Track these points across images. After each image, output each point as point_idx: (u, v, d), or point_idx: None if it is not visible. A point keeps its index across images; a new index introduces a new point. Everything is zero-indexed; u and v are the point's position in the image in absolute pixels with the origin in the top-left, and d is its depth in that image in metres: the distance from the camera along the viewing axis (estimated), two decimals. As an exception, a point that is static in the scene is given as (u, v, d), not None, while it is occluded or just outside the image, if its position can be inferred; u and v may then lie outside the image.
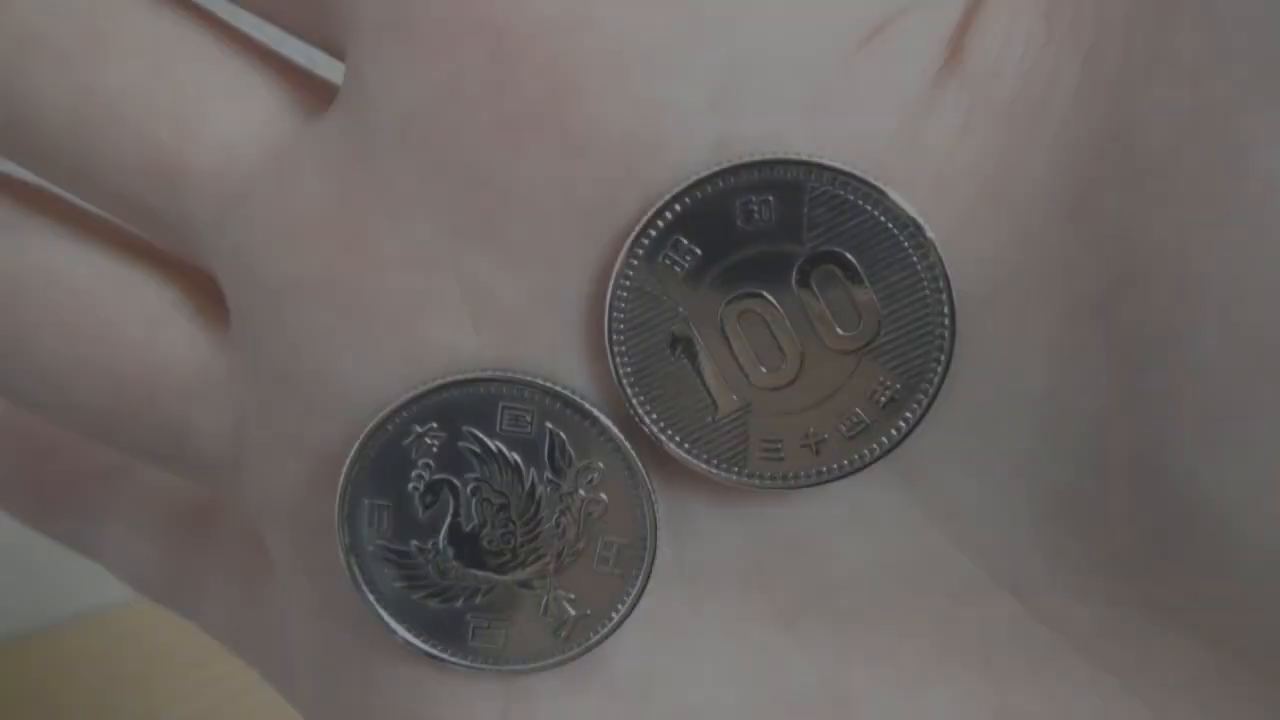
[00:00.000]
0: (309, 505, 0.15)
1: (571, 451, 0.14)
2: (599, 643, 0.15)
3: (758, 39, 0.13)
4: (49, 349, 0.16)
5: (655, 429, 0.14)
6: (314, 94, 0.15)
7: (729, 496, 0.15)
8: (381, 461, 0.15)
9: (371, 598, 0.15)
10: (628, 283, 0.14)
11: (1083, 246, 0.12)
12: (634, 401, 0.14)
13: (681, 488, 0.15)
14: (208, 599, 0.19)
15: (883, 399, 0.14)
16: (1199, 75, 0.12)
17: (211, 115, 0.15)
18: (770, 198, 0.13)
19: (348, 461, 0.15)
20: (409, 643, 0.15)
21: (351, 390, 0.15)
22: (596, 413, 0.14)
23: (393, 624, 0.15)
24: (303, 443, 0.15)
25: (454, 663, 0.15)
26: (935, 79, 0.13)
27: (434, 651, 0.15)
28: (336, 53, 0.15)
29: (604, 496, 0.14)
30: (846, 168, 0.13)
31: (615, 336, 0.14)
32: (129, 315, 0.16)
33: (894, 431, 0.14)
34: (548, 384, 0.14)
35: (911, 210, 0.13)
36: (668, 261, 0.14)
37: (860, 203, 0.13)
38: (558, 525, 0.15)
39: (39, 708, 0.33)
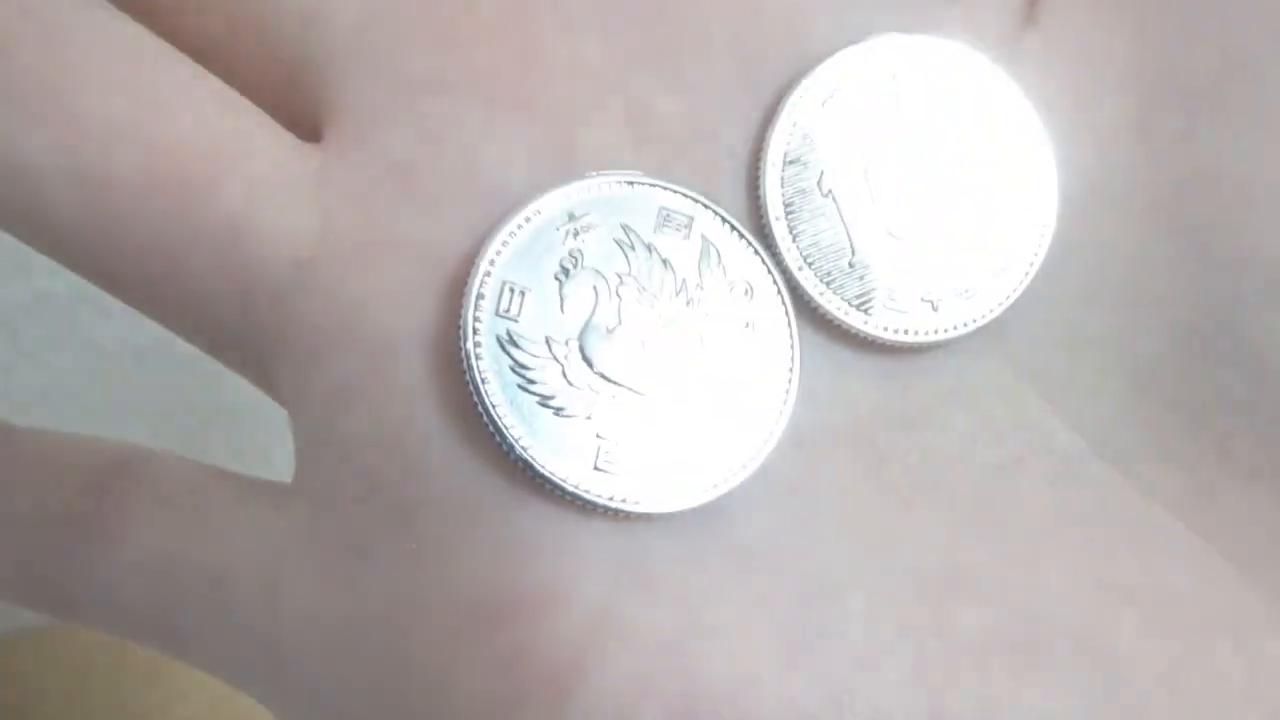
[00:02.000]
0: (408, 308, 0.13)
1: (725, 265, 0.14)
2: (734, 484, 0.14)
3: None
4: (95, 102, 0.13)
5: (794, 264, 0.14)
6: None
7: (846, 362, 0.15)
8: (530, 242, 0.13)
9: (490, 399, 0.13)
10: (791, 119, 0.15)
11: (1152, 157, 0.15)
12: (776, 235, 0.14)
13: (802, 348, 0.15)
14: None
15: (996, 265, 0.15)
16: (1225, 36, 0.16)
17: None
18: (919, 67, 0.15)
19: (499, 234, 0.13)
20: (528, 460, 0.13)
21: (495, 184, 0.14)
22: (749, 235, 0.14)
23: (512, 435, 0.13)
24: (418, 238, 0.14)
25: (575, 492, 0.13)
26: (1017, 28, 0.16)
27: (554, 475, 0.13)
28: None
29: (749, 317, 0.14)
30: (988, 60, 0.15)
31: (771, 167, 0.15)
32: (204, 91, 0.14)
33: (1004, 299, 0.15)
34: (707, 200, 0.14)
35: (1035, 97, 0.15)
36: (829, 108, 0.15)
37: (994, 86, 0.15)
38: (702, 341, 0.14)
39: (50, 702, 0.33)
